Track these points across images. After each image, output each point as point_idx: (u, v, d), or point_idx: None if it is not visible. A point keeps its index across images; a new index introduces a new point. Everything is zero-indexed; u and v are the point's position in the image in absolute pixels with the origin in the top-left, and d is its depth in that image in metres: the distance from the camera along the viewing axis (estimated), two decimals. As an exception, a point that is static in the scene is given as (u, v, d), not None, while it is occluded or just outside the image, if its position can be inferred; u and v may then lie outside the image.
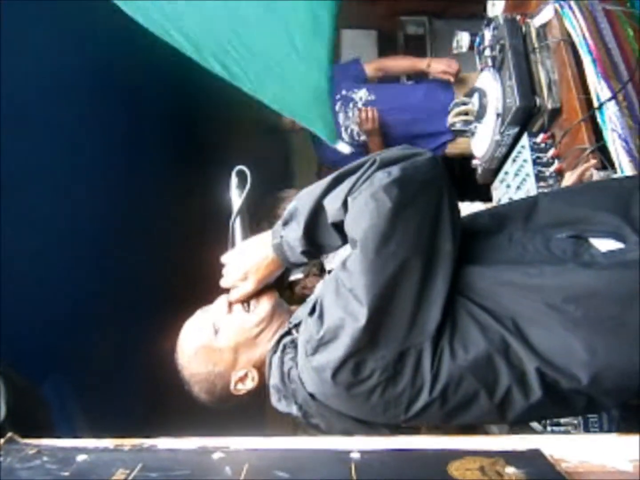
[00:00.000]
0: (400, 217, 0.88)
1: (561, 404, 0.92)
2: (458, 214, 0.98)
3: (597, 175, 1.48)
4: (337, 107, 2.70)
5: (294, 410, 1.02)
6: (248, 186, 1.16)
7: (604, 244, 0.96)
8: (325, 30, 1.29)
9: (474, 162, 2.05)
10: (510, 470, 0.69)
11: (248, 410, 1.20)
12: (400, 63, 2.93)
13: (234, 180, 1.18)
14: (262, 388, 1.10)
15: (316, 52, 1.28)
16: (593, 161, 1.55)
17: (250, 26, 1.28)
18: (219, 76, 1.47)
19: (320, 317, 0.91)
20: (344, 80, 2.73)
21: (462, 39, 2.09)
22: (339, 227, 0.96)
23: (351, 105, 2.69)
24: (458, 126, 1.98)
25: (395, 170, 0.90)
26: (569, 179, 1.54)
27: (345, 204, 0.92)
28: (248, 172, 1.17)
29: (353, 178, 0.94)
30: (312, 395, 0.96)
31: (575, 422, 1.55)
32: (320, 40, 1.29)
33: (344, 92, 2.71)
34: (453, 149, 2.69)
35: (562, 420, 1.56)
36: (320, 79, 1.32)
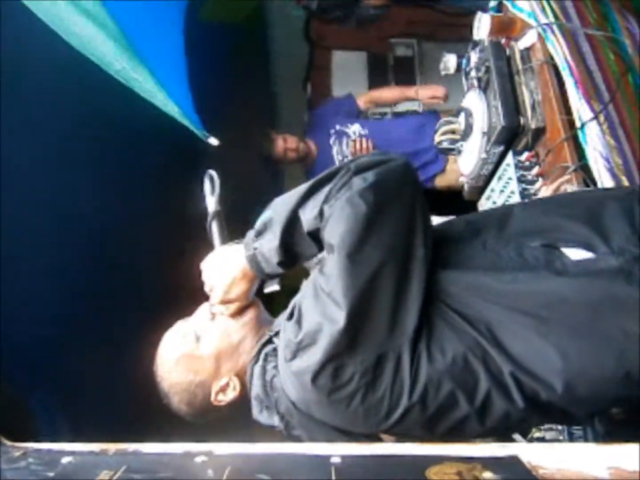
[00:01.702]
0: (376, 221, 0.90)
1: (540, 414, 0.94)
2: (429, 220, 1.00)
3: (570, 190, 1.52)
4: (331, 141, 2.82)
5: (275, 421, 1.01)
6: (217, 189, 1.20)
7: (575, 253, 0.98)
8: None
9: (461, 179, 2.09)
10: (487, 475, 0.70)
11: (235, 426, 1.20)
12: (389, 93, 3.07)
13: (206, 184, 1.22)
14: (243, 400, 1.09)
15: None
16: (567, 176, 1.59)
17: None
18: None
19: (299, 321, 0.92)
20: (337, 115, 2.88)
21: (450, 60, 2.14)
22: (314, 235, 0.97)
23: (345, 139, 2.79)
24: (445, 144, 2.02)
25: (370, 176, 0.92)
26: (544, 194, 1.58)
27: (321, 213, 0.94)
28: (216, 176, 1.20)
29: (328, 186, 0.95)
30: (293, 404, 0.96)
31: (561, 437, 1.56)
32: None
33: (337, 127, 2.85)
34: (442, 182, 2.75)
35: (547, 436, 1.57)
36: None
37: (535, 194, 1.76)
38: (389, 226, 0.91)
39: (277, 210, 1.00)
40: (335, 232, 0.90)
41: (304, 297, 0.95)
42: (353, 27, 2.88)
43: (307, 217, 0.95)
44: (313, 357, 0.88)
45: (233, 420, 1.16)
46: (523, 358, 0.89)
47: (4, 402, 1.06)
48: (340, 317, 0.87)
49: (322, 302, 0.89)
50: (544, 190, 1.60)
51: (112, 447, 0.73)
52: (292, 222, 0.97)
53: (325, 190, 0.95)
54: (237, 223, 1.22)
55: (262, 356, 1.04)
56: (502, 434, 1.23)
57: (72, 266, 1.84)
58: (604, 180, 1.58)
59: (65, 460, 0.67)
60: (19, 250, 1.62)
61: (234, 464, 0.69)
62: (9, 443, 0.72)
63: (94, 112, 1.84)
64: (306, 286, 0.97)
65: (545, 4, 1.87)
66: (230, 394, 1.09)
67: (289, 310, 0.98)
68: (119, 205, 2.09)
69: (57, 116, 1.71)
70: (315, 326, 0.89)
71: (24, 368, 1.55)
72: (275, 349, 1.02)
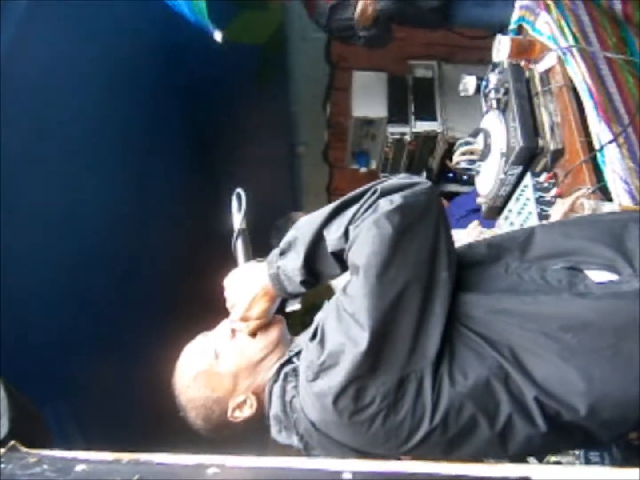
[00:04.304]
0: (401, 243, 0.90)
1: (563, 437, 0.93)
2: (452, 244, 1.00)
3: (587, 204, 1.51)
4: None
5: (295, 441, 1.01)
6: (244, 207, 1.23)
7: (599, 276, 0.98)
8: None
9: (479, 199, 2.08)
10: (500, 496, 0.70)
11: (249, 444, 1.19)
12: None
13: (234, 202, 1.24)
14: (259, 417, 1.09)
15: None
16: (583, 190, 1.58)
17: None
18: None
19: (322, 342, 0.92)
20: None
21: (469, 82, 2.15)
22: (338, 256, 0.98)
23: None
24: (463, 165, 2.02)
25: (397, 198, 0.93)
26: (560, 208, 1.57)
27: (346, 233, 0.94)
28: (243, 194, 1.23)
29: (354, 208, 0.96)
30: (313, 425, 0.96)
31: (577, 462, 1.53)
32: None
33: None
34: None
35: (564, 461, 1.54)
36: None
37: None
38: (413, 249, 0.92)
39: (301, 229, 1.01)
40: (361, 253, 0.90)
41: (327, 318, 0.95)
42: (364, 47, 2.89)
43: (332, 237, 0.96)
44: (335, 378, 0.88)
45: (248, 436, 1.16)
46: (546, 382, 0.89)
47: (20, 410, 1.08)
48: (363, 339, 0.86)
49: (346, 323, 0.90)
50: (560, 204, 1.59)
51: (125, 456, 0.73)
52: (317, 241, 0.98)
53: (351, 211, 0.95)
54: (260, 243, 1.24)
55: (281, 376, 1.04)
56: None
57: (90, 275, 1.86)
58: (623, 202, 1.57)
59: (79, 467, 0.68)
60: (34, 258, 1.64)
61: (245, 477, 0.69)
62: (24, 449, 0.73)
63: (110, 113, 1.87)
64: (329, 306, 0.97)
65: (565, 27, 1.88)
66: (247, 412, 1.09)
67: (311, 330, 0.98)
68: (140, 211, 2.11)
69: (73, 115, 1.75)
70: (338, 347, 0.89)
71: (36, 378, 1.57)
72: (295, 369, 1.02)
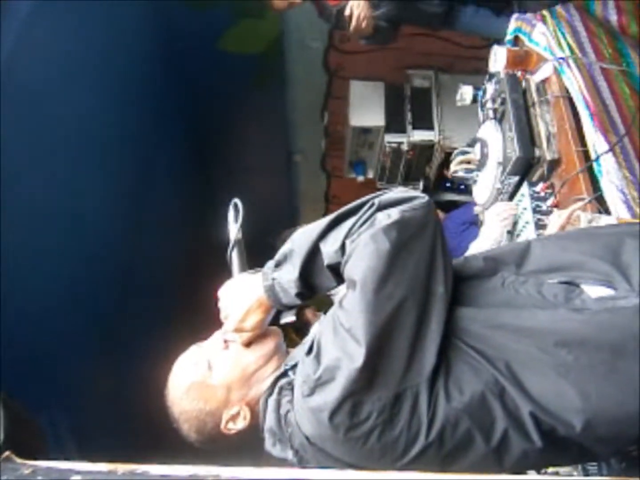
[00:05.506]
0: (398, 258, 0.89)
1: (559, 452, 0.92)
2: (450, 259, 1.00)
3: (583, 217, 1.51)
4: None
5: (289, 455, 0.99)
6: (241, 218, 1.21)
7: (595, 291, 0.97)
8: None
9: (476, 208, 2.09)
10: (497, 507, 0.70)
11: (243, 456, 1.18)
12: None
13: (230, 212, 1.23)
14: (253, 429, 1.08)
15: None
16: (580, 203, 1.58)
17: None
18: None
19: (317, 356, 0.92)
20: None
21: (466, 92, 2.16)
22: (334, 269, 0.97)
23: None
24: (460, 174, 2.03)
25: (394, 213, 0.92)
26: (556, 220, 1.57)
27: (343, 247, 0.94)
28: (241, 205, 1.21)
29: (351, 221, 0.95)
30: (308, 439, 0.94)
31: (575, 473, 1.52)
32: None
33: None
34: None
35: (562, 471, 1.53)
36: None
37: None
38: (410, 264, 0.91)
39: (298, 241, 1.00)
40: (358, 268, 0.90)
41: (323, 332, 0.94)
42: (371, 47, 2.91)
43: (328, 250, 0.95)
44: (331, 394, 0.88)
45: (242, 449, 1.14)
46: (542, 397, 0.88)
47: (15, 420, 1.07)
48: (359, 355, 0.86)
49: (342, 338, 0.89)
50: (556, 216, 1.60)
51: (120, 467, 0.73)
52: (313, 254, 0.97)
53: (348, 224, 0.95)
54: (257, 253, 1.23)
55: (276, 389, 1.03)
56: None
57: (88, 284, 1.86)
58: (620, 212, 1.57)
59: (74, 479, 0.67)
60: (31, 270, 1.64)
61: (241, 488, 0.69)
62: (19, 460, 0.72)
63: (109, 118, 1.87)
64: (326, 320, 0.96)
65: (560, 38, 1.90)
66: (240, 424, 1.08)
67: (307, 344, 0.98)
68: (138, 221, 2.11)
69: (72, 121, 1.74)
70: (334, 362, 0.88)
71: (33, 386, 1.56)
72: (290, 383, 1.01)
